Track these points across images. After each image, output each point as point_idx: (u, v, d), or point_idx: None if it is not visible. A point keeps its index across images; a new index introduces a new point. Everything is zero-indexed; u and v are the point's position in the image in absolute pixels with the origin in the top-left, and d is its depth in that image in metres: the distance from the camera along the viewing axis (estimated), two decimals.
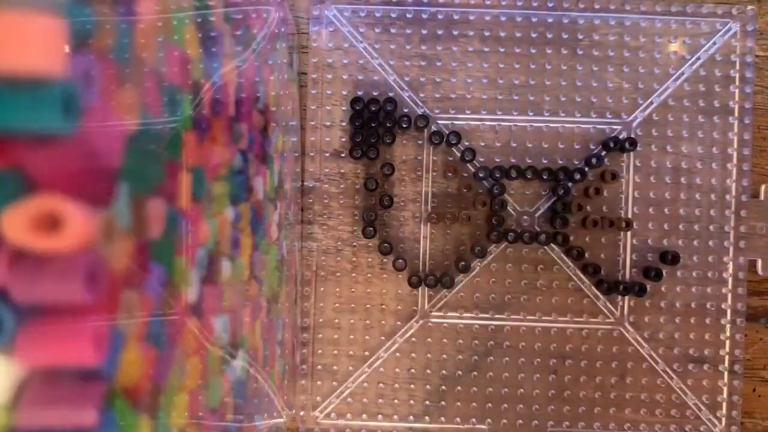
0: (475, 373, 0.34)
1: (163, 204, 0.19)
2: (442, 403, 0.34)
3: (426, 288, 0.34)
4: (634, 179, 0.34)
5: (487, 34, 0.34)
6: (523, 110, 0.34)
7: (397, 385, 0.34)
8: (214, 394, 0.24)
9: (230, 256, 0.26)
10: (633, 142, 0.33)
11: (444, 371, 0.34)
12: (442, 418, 0.34)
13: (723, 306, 0.34)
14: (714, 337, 0.34)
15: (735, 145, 0.34)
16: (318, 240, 0.34)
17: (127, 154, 0.16)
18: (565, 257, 0.34)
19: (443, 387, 0.34)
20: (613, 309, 0.34)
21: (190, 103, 0.22)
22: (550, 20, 0.34)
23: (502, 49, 0.34)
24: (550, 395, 0.34)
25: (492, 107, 0.34)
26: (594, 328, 0.34)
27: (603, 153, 0.34)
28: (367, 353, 0.34)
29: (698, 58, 0.34)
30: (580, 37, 0.34)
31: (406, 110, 0.34)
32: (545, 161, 0.34)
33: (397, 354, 0.34)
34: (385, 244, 0.33)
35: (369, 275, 0.34)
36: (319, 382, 0.34)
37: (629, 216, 0.34)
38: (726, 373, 0.34)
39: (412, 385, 0.34)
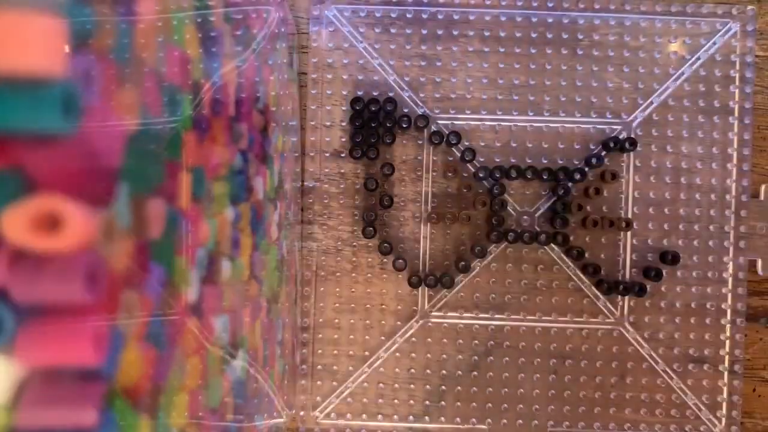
0: (475, 373, 0.34)
1: (163, 204, 0.19)
2: (442, 403, 0.34)
3: (426, 288, 0.34)
4: (634, 179, 0.34)
5: (487, 34, 0.34)
6: (523, 110, 0.34)
7: (397, 385, 0.34)
8: (214, 394, 0.24)
9: (230, 256, 0.26)
10: (633, 142, 0.33)
11: (444, 371, 0.34)
12: (442, 418, 0.34)
13: (723, 306, 0.34)
14: (714, 337, 0.34)
15: (735, 145, 0.34)
16: (318, 240, 0.34)
17: (127, 154, 0.16)
18: (565, 257, 0.34)
19: (443, 387, 0.34)
20: (613, 309, 0.34)
21: (190, 103, 0.22)
22: (550, 20, 0.34)
23: (502, 49, 0.34)
24: (550, 395, 0.34)
25: (492, 107, 0.34)
26: (594, 328, 0.34)
27: (603, 153, 0.34)
28: (367, 353, 0.34)
29: (698, 58, 0.34)
30: (580, 37, 0.34)
31: (406, 110, 0.34)
32: (545, 161, 0.34)
33: (397, 354, 0.34)
34: (385, 244, 0.33)
35: (369, 275, 0.34)
36: (319, 382, 0.34)
37: (629, 216, 0.34)
38: (726, 373, 0.34)
39: (412, 385, 0.34)
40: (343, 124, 0.34)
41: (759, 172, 0.35)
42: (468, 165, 0.34)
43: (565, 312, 0.34)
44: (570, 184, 0.34)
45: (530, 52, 0.34)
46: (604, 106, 0.34)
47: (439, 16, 0.34)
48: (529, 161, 0.34)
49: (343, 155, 0.34)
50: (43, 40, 0.13)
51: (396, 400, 0.34)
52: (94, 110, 0.15)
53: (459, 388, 0.34)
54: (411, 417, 0.34)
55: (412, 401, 0.34)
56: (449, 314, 0.34)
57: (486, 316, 0.34)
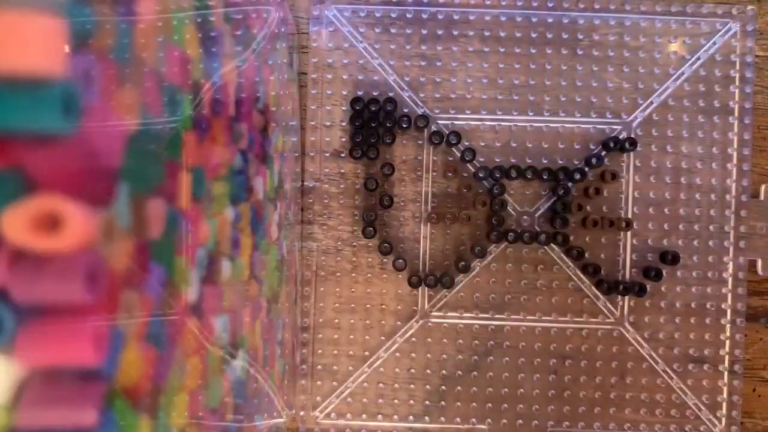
0: (475, 373, 0.34)
1: (163, 204, 0.19)
2: (442, 403, 0.34)
3: (426, 288, 0.34)
4: (634, 179, 0.34)
5: (487, 34, 0.34)
6: (523, 110, 0.34)
7: (397, 385, 0.34)
8: (214, 394, 0.24)
9: (230, 256, 0.26)
10: (633, 142, 0.33)
11: (444, 371, 0.34)
12: (442, 418, 0.34)
13: (723, 306, 0.34)
14: (714, 337, 0.34)
15: (735, 145, 0.34)
16: (318, 240, 0.34)
17: (127, 154, 0.16)
18: (565, 257, 0.34)
19: (443, 387, 0.34)
20: (613, 309, 0.34)
21: (190, 103, 0.22)
22: (550, 20, 0.34)
23: (502, 49, 0.34)
24: (550, 395, 0.34)
25: (492, 107, 0.34)
26: (594, 328, 0.34)
27: (603, 153, 0.34)
28: (367, 353, 0.34)
29: (698, 58, 0.34)
30: (580, 37, 0.34)
31: (406, 110, 0.34)
32: (545, 161, 0.34)
33: (397, 354, 0.34)
34: (385, 244, 0.33)
35: (369, 275, 0.34)
36: (319, 382, 0.34)
37: (629, 216, 0.34)
38: (726, 373, 0.34)
39: (412, 385, 0.34)
40: (343, 124, 0.34)
41: (759, 172, 0.35)
42: (468, 165, 0.34)
43: (565, 312, 0.34)
44: (570, 184, 0.34)
45: (530, 52, 0.34)
46: (604, 106, 0.34)
47: (439, 16, 0.34)
48: (529, 161, 0.34)
49: (343, 155, 0.34)
50: (43, 40, 0.13)
51: (396, 400, 0.34)
52: (94, 110, 0.15)
53: (459, 388, 0.34)
54: (411, 417, 0.34)
55: (412, 401, 0.34)
56: (449, 314, 0.34)
57: (486, 316, 0.34)
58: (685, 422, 0.34)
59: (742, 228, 0.34)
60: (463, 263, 0.33)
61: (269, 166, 0.31)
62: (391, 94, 0.34)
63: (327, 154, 0.34)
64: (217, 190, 0.24)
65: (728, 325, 0.34)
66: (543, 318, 0.34)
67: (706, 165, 0.34)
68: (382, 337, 0.34)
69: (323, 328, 0.34)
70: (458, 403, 0.34)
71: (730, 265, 0.34)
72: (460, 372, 0.34)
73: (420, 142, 0.34)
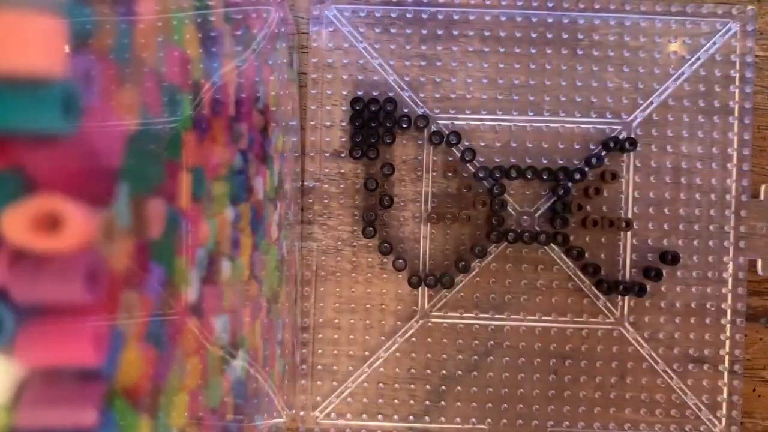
0: (475, 373, 0.34)
1: (163, 204, 0.19)
2: (442, 403, 0.34)
3: (426, 288, 0.34)
4: (634, 179, 0.34)
5: (487, 34, 0.34)
6: (523, 110, 0.34)
7: (397, 385, 0.34)
8: (214, 394, 0.24)
9: (230, 256, 0.26)
10: (633, 142, 0.33)
11: (444, 371, 0.34)
12: (442, 418, 0.34)
13: (723, 306, 0.34)
14: (714, 337, 0.34)
15: (735, 145, 0.34)
16: (318, 240, 0.34)
17: (127, 154, 0.16)
18: (565, 257, 0.34)
19: (443, 387, 0.34)
20: (613, 309, 0.34)
21: (190, 103, 0.22)
22: (550, 20, 0.34)
23: (502, 49, 0.34)
24: (550, 395, 0.34)
25: (492, 107, 0.34)
26: (594, 328, 0.34)
27: (603, 153, 0.34)
28: (367, 353, 0.34)
29: (698, 58, 0.34)
30: (580, 37, 0.34)
31: (406, 110, 0.34)
32: (545, 161, 0.34)
33: (397, 354, 0.34)
34: (385, 244, 0.33)
35: (369, 275, 0.34)
36: (319, 382, 0.34)
37: (629, 216, 0.34)
38: (726, 373, 0.34)
39: (412, 385, 0.34)
40: (343, 124, 0.34)
41: (759, 172, 0.35)
42: (468, 165, 0.34)
43: (565, 312, 0.34)
44: (570, 184, 0.34)
45: (530, 52, 0.34)
46: (604, 106, 0.34)
47: (439, 16, 0.34)
48: (529, 161, 0.34)
49: (343, 155, 0.34)
50: (43, 40, 0.13)
51: (396, 400, 0.34)
52: (94, 110, 0.15)
53: (459, 388, 0.34)
54: (411, 417, 0.34)
55: (412, 401, 0.34)
56: (449, 314, 0.34)
57: (486, 316, 0.34)
58: (685, 422, 0.34)
59: (742, 228, 0.34)
60: (463, 263, 0.33)
61: (269, 166, 0.31)
62: (391, 94, 0.34)
63: (327, 154, 0.34)
64: (217, 190, 0.24)
65: (728, 325, 0.34)
66: (543, 318, 0.34)
67: (706, 165, 0.34)
68: (382, 337, 0.34)
69: (323, 328, 0.34)
70: (458, 403, 0.34)
71: (730, 265, 0.34)
72: (460, 372, 0.34)
73: (420, 142, 0.34)
